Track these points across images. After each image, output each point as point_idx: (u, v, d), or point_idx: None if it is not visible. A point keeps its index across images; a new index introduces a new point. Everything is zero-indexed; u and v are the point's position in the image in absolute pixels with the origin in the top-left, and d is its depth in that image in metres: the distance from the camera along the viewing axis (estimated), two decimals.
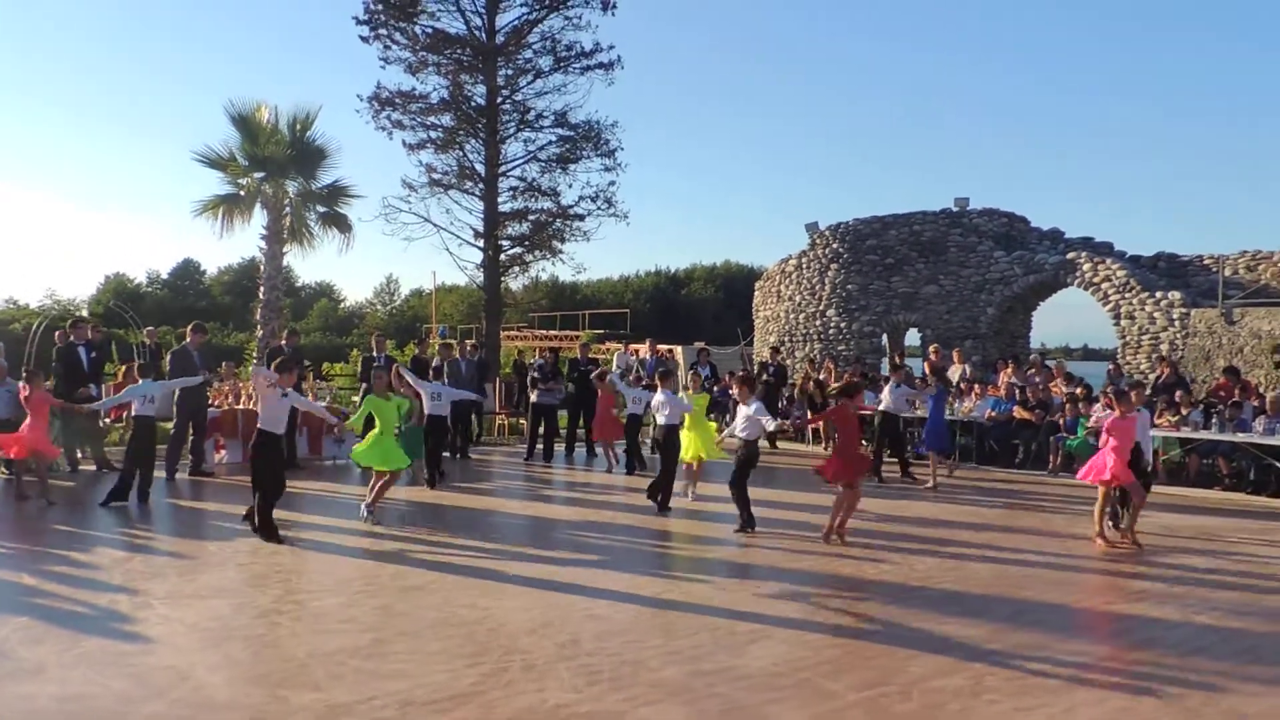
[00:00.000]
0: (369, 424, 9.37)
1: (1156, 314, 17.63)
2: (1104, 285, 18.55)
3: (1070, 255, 19.28)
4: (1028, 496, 11.65)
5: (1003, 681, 4.94)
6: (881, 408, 13.08)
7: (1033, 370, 16.25)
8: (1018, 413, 14.30)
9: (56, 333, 15.17)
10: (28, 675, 4.94)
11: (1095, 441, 13.29)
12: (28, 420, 10.59)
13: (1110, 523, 8.77)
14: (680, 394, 11.08)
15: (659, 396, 10.26)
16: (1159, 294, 17.72)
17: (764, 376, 17.50)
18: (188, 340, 12.95)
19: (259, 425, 8.59)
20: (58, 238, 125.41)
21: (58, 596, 6.52)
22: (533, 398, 15.13)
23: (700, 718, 4.45)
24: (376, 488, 9.32)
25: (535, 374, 15.14)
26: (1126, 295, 18.13)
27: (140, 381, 10.45)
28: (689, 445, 10.61)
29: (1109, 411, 13.18)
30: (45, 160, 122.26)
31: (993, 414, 14.52)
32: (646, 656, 5.31)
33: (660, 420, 10.23)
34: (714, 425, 11.33)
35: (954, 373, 16.71)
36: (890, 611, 6.32)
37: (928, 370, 16.62)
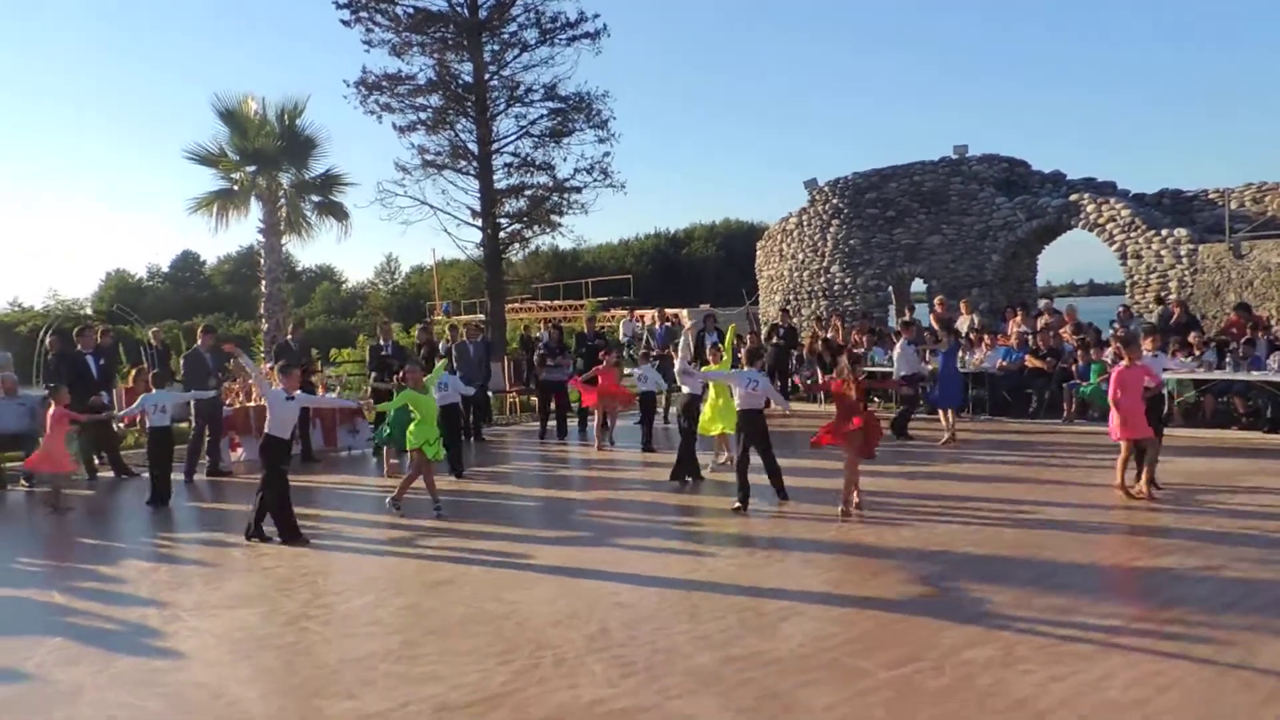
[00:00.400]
0: (381, 417, 9.40)
1: (1163, 252, 17.49)
2: (1109, 225, 18.40)
3: (1073, 197, 19.10)
4: (1044, 448, 11.63)
5: (1034, 650, 4.95)
6: (899, 370, 12.99)
7: (1044, 318, 16.15)
8: (1029, 362, 14.24)
9: (49, 338, 15.15)
10: (66, 699, 4.98)
11: (1108, 388, 13.28)
12: (48, 433, 10.63)
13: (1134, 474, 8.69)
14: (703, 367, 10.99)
15: (680, 366, 10.17)
16: (1165, 231, 17.57)
17: (774, 339, 17.44)
18: (199, 343, 12.94)
19: (266, 429, 8.52)
20: (58, 235, 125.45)
21: (88, 614, 6.57)
22: (540, 375, 15.15)
23: (734, 707, 4.46)
24: (405, 480, 9.45)
25: (541, 351, 15.12)
26: (1132, 234, 17.98)
27: (154, 390, 10.45)
28: (714, 418, 10.34)
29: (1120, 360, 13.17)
30: (46, 157, 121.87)
31: (1004, 364, 14.46)
32: (677, 644, 5.33)
33: (684, 390, 10.26)
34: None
35: (963, 323, 16.62)
36: (915, 580, 6.33)
37: (934, 323, 16.57)
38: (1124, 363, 8.52)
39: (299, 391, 8.85)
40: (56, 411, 10.56)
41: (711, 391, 10.28)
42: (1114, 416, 8.51)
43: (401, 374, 9.88)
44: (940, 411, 12.53)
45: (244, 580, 7.24)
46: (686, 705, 4.51)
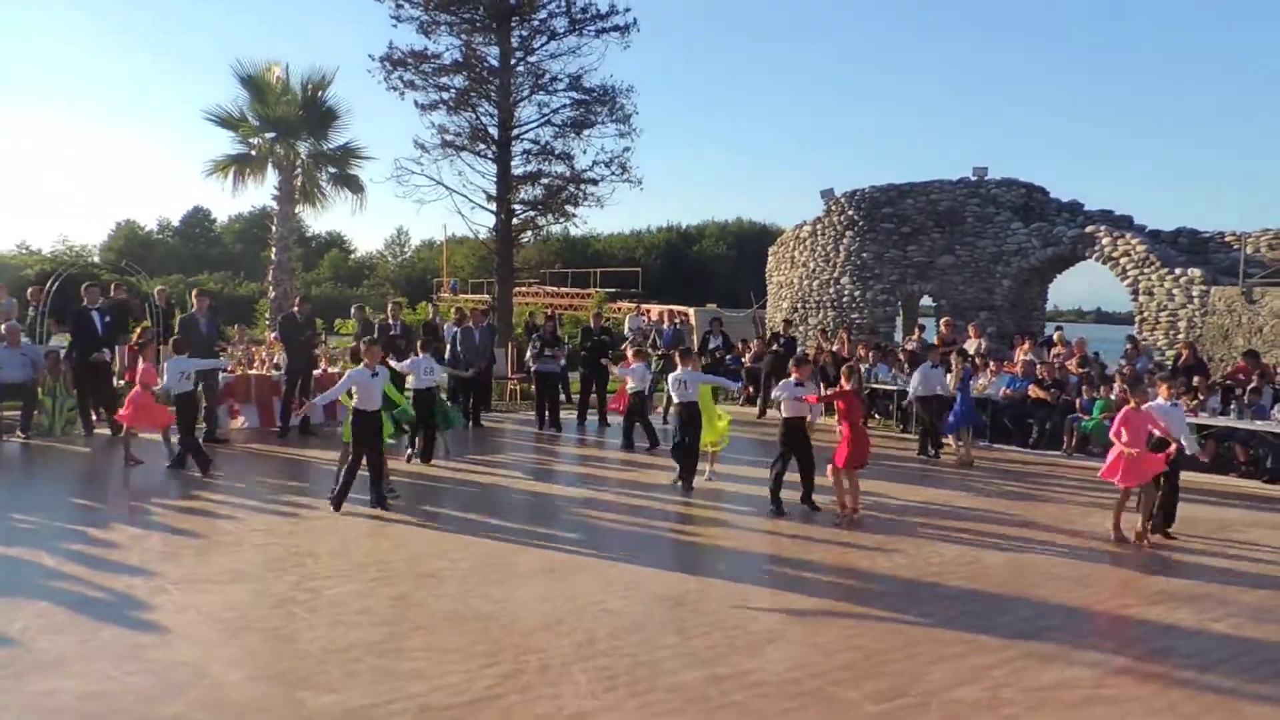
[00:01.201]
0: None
1: (1176, 290, 17.46)
2: (1123, 260, 18.37)
3: (1089, 228, 19.07)
4: (1043, 480, 11.60)
5: (1020, 694, 4.93)
6: (918, 392, 12.95)
7: (1056, 349, 16.11)
8: (1033, 391, 14.20)
9: (30, 289, 15.08)
10: (48, 668, 4.98)
11: (1109, 424, 13.24)
12: (135, 389, 10.73)
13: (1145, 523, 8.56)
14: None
15: (679, 374, 10.13)
16: (1178, 270, 17.53)
17: (774, 347, 17.43)
18: (194, 308, 12.92)
19: (356, 406, 8.79)
20: (70, 179, 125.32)
21: (75, 579, 6.57)
22: (532, 367, 15.10)
23: None
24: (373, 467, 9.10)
25: (535, 345, 15.03)
26: (1145, 271, 17.94)
27: (175, 357, 10.44)
28: (704, 430, 10.33)
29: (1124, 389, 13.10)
30: (66, 97, 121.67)
31: (1008, 391, 14.42)
32: (662, 658, 5.31)
33: (676, 398, 10.17)
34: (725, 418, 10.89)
35: (970, 346, 16.57)
36: (905, 610, 6.30)
37: (939, 344, 16.53)
38: (1131, 404, 8.42)
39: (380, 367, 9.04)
40: (146, 367, 10.75)
41: (699, 404, 10.24)
42: (1114, 457, 8.37)
43: (360, 349, 9.44)
44: (953, 435, 12.60)
45: (234, 556, 7.23)
46: None
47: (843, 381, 9.52)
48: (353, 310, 15.34)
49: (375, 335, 11.33)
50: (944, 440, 12.99)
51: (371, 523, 8.41)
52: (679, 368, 10.26)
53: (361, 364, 8.94)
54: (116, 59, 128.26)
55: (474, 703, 4.66)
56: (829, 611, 6.26)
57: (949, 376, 12.96)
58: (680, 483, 10.11)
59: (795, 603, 6.42)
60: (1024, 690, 4.98)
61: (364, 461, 8.80)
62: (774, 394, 10.10)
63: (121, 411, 10.96)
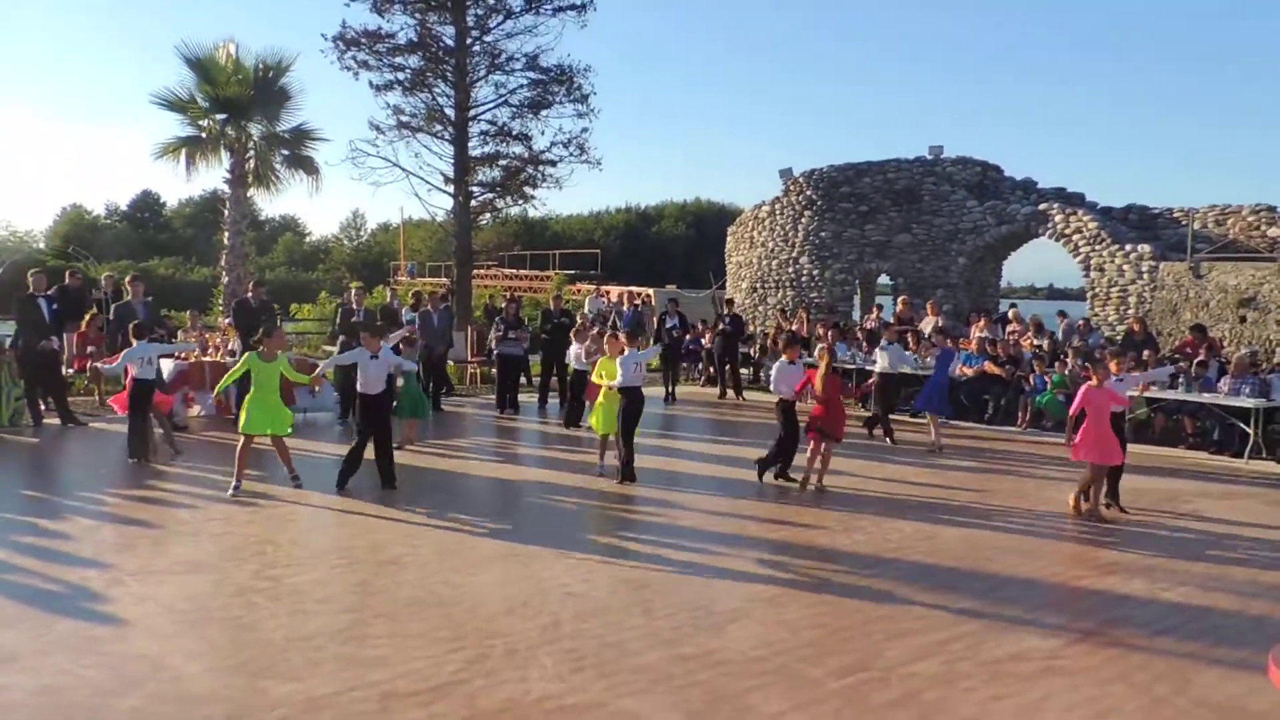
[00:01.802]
0: (244, 383, 9.14)
1: (1126, 266, 17.79)
2: (1075, 237, 18.66)
3: (1042, 206, 19.35)
4: (998, 456, 11.80)
5: (976, 667, 5.03)
6: (878, 369, 12.67)
7: (1012, 326, 16.35)
8: (988, 368, 14.41)
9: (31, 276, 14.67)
10: (0, 664, 4.88)
11: (1064, 399, 13.48)
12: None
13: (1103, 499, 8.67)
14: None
15: (627, 355, 9.64)
16: (1128, 246, 17.85)
17: (720, 327, 17.51)
18: (129, 294, 12.67)
19: (359, 389, 9.08)
20: (16, 158, 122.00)
21: (27, 572, 6.44)
22: (494, 349, 15.07)
23: (685, 708, 4.48)
24: (239, 456, 8.86)
25: (499, 327, 14.98)
26: (1097, 248, 18.25)
27: (135, 344, 10.22)
28: (605, 418, 9.84)
29: (1078, 363, 13.33)
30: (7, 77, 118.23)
31: (964, 369, 14.62)
32: (627, 639, 5.34)
33: (620, 381, 9.61)
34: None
35: (927, 324, 16.78)
36: (866, 587, 6.40)
37: (895, 321, 16.71)
38: (1092, 381, 8.45)
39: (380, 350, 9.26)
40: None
41: (601, 394, 9.92)
42: (1078, 436, 8.35)
43: (257, 336, 9.27)
44: (930, 417, 12.20)
45: (191, 545, 7.13)
46: (636, 704, 4.52)
47: (820, 362, 9.67)
48: (352, 292, 15.15)
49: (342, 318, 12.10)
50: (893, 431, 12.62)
51: (331, 510, 8.33)
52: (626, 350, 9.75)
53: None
54: (64, 39, 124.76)
55: (439, 688, 4.65)
56: (791, 589, 6.33)
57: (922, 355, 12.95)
58: (612, 474, 9.77)
59: (758, 582, 6.48)
60: (980, 663, 5.08)
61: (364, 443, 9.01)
62: (775, 383, 9.98)
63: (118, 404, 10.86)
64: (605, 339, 10.45)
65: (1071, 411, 8.45)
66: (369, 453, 9.07)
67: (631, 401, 9.58)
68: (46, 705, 4.43)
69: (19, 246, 56.47)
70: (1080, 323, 15.67)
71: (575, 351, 12.57)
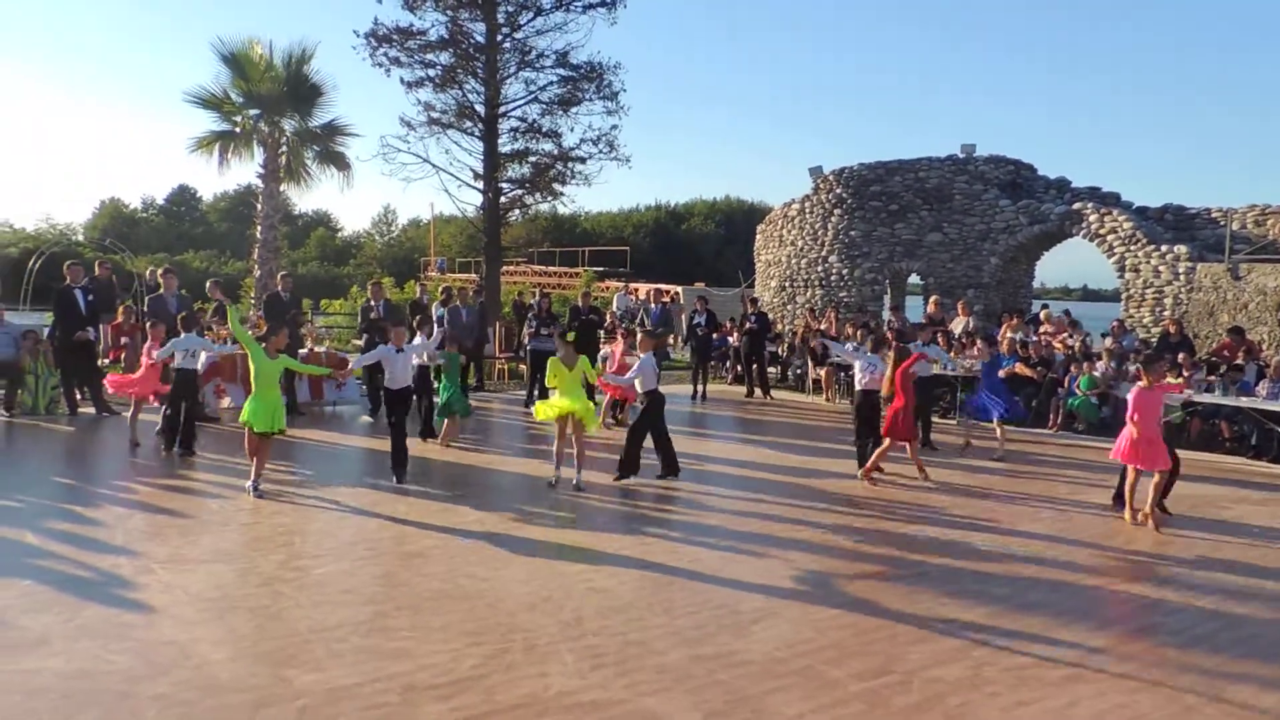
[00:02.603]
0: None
1: (1162, 267, 17.50)
2: (1109, 237, 18.39)
3: (1076, 205, 19.08)
4: (1029, 458, 11.64)
5: (1002, 672, 4.96)
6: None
7: (1045, 326, 16.16)
8: (1019, 369, 14.23)
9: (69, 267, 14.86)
10: (31, 647, 4.96)
11: (1097, 402, 13.30)
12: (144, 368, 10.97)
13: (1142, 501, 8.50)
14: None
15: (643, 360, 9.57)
16: (1165, 247, 17.56)
17: (746, 325, 17.44)
18: (162, 288, 12.83)
19: (386, 385, 9.40)
20: (55, 157, 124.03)
21: (60, 558, 6.54)
22: (527, 343, 15.11)
23: (704, 708, 4.47)
24: (256, 453, 8.74)
25: (532, 323, 15.04)
26: (1132, 248, 17.97)
27: (183, 335, 10.39)
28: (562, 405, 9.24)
29: (1110, 366, 13.14)
30: (51, 74, 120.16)
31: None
32: (650, 637, 5.33)
33: (641, 385, 9.58)
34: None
35: (958, 324, 16.62)
36: (892, 589, 6.34)
37: (926, 322, 16.54)
38: (1142, 383, 8.23)
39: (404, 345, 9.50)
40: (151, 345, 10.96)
41: (564, 385, 9.34)
42: (1125, 438, 8.22)
43: (263, 334, 9.50)
44: (998, 424, 11.58)
45: (220, 535, 7.21)
46: (656, 703, 4.50)
47: (886, 363, 9.84)
48: (370, 289, 15.28)
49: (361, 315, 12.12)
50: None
51: (358, 503, 8.39)
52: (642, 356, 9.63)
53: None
54: (104, 36, 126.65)
55: (459, 682, 4.67)
56: (816, 591, 6.28)
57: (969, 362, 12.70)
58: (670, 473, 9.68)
59: (782, 583, 6.44)
60: (1006, 668, 5.02)
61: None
62: (857, 375, 10.22)
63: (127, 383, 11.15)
64: (639, 338, 10.22)
65: (1130, 415, 8.20)
66: (380, 444, 9.12)
67: (653, 403, 9.58)
68: (76, 689, 4.49)
69: (58, 239, 57.42)
70: (1114, 324, 15.43)
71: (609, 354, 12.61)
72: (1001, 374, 14.25)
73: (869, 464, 9.84)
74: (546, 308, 15.61)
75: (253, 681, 4.63)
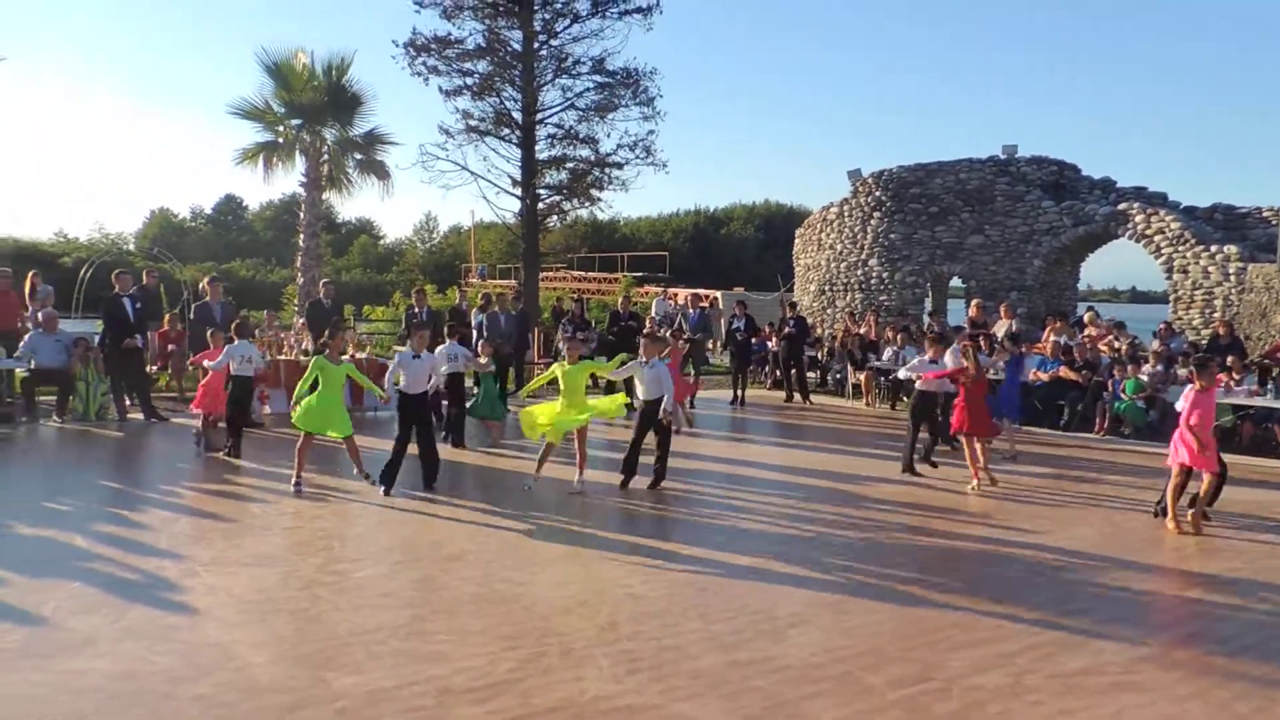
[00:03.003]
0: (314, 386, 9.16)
1: (1211, 268, 17.13)
2: (1157, 238, 18.04)
3: (1122, 206, 18.75)
4: (1074, 463, 11.45)
5: (1045, 680, 4.87)
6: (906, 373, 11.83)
7: (1088, 329, 15.89)
8: (1064, 373, 14.02)
9: (30, 274, 15.14)
10: (78, 648, 5.05)
11: (1144, 406, 13.05)
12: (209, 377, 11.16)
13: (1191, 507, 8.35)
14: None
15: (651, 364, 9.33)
16: (1214, 247, 17.20)
17: (785, 330, 17.35)
18: (207, 296, 13.04)
19: (401, 389, 9.11)
20: (107, 168, 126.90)
21: (108, 560, 6.66)
22: (562, 349, 15.17)
23: (740, 713, 4.43)
24: (299, 453, 9.03)
25: (567, 328, 15.11)
26: (1180, 248, 17.62)
27: (238, 342, 10.64)
28: (555, 421, 9.04)
29: (1157, 369, 12.87)
30: (101, 88, 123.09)
31: (1039, 374, 14.24)
32: (685, 642, 5.31)
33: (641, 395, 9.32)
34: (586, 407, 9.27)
35: (1000, 328, 16.41)
36: (931, 595, 6.25)
37: (968, 325, 16.36)
38: (1196, 386, 8.05)
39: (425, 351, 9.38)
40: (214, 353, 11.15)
41: (559, 400, 9.14)
42: (1181, 442, 8.04)
43: (324, 338, 9.52)
44: (1006, 424, 11.67)
45: (262, 539, 7.31)
46: (691, 708, 4.48)
47: (964, 359, 9.96)
48: (414, 294, 15.49)
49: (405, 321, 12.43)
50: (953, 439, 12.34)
51: (397, 507, 8.46)
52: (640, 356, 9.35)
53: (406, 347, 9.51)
54: (150, 49, 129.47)
55: (495, 685, 4.68)
56: (854, 596, 6.22)
57: (990, 362, 12.58)
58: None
59: (820, 588, 6.38)
60: (1049, 676, 4.92)
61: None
62: (903, 372, 10.47)
63: (195, 400, 11.38)
64: (642, 344, 9.70)
65: (1186, 420, 7.99)
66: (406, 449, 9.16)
67: (648, 411, 9.26)
68: (121, 690, 4.57)
69: (109, 248, 58.71)
70: (1161, 326, 15.13)
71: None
72: (1046, 377, 14.08)
73: (980, 468, 9.83)
74: (581, 313, 15.68)
75: (292, 684, 4.68)
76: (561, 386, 9.07)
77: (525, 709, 4.43)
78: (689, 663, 5.01)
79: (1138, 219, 18.35)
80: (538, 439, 9.24)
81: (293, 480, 8.93)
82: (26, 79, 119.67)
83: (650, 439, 9.42)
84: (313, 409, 8.89)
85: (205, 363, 11.08)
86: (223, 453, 10.49)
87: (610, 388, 15.17)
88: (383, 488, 8.84)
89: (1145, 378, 13.00)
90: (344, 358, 9.16)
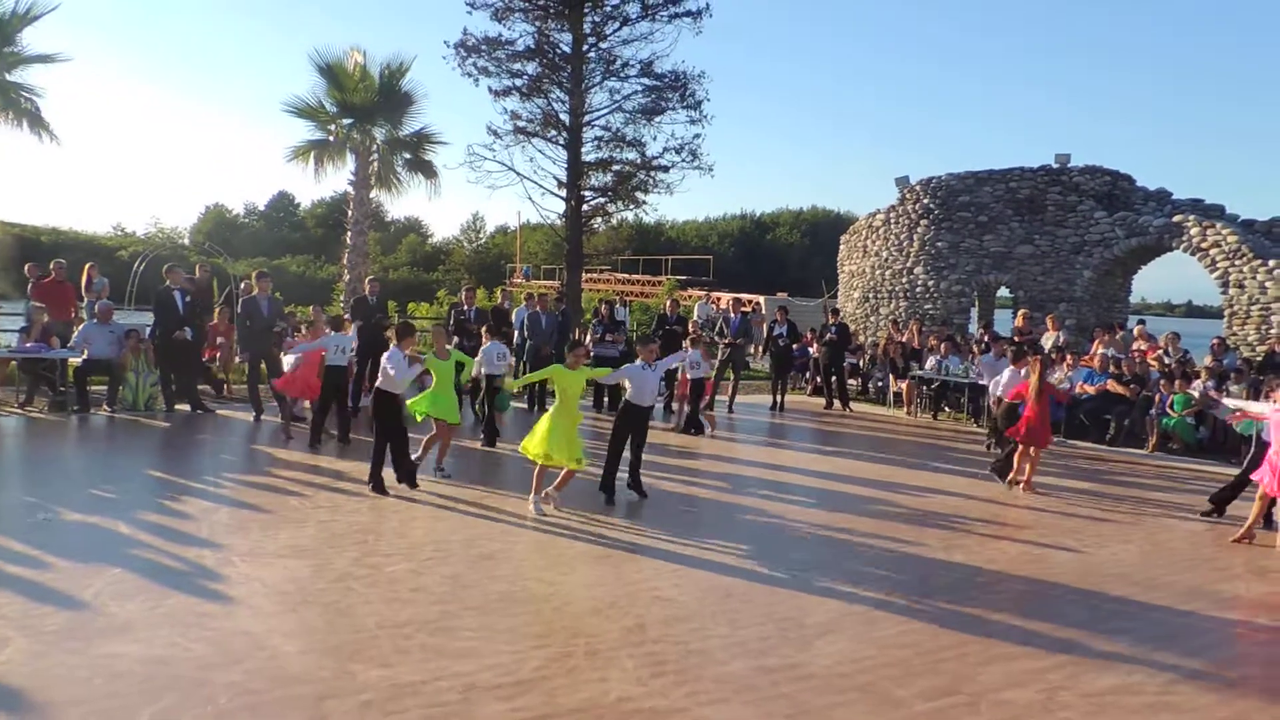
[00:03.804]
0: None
1: (1269, 283, 16.71)
2: (1212, 251, 17.64)
3: (1177, 218, 18.35)
4: (1119, 479, 11.22)
5: (1078, 698, 4.78)
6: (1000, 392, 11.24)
7: (1137, 342, 15.57)
8: (1111, 386, 13.75)
9: (87, 266, 15.45)
10: (116, 633, 5.16)
11: (1194, 422, 12.75)
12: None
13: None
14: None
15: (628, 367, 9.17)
16: (1272, 261, 16.76)
17: (826, 336, 17.22)
18: (255, 290, 13.24)
19: (379, 385, 9.10)
20: (163, 163, 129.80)
21: (149, 547, 6.79)
22: (591, 351, 15.20)
23: (765, 719, 4.41)
24: (425, 442, 9.68)
25: (596, 329, 15.13)
26: (1237, 262, 17.20)
27: (331, 334, 10.98)
28: (557, 445, 8.24)
29: (1208, 385, 12.56)
30: (162, 84, 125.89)
31: (1085, 386, 13.98)
32: (712, 646, 5.29)
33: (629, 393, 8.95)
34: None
35: (1047, 339, 16.14)
36: (964, 606, 6.16)
37: (1016, 337, 16.10)
38: (1274, 405, 8.00)
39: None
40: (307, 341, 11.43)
41: (549, 416, 8.44)
42: (1271, 467, 7.91)
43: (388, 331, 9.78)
44: None
45: (298, 531, 7.40)
46: (715, 713, 4.46)
47: (1032, 370, 10.02)
48: (463, 293, 15.62)
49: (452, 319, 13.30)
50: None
51: (434, 504, 8.53)
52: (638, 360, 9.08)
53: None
54: (211, 50, 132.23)
55: (521, 683, 4.70)
56: (884, 607, 6.15)
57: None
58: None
59: (850, 597, 6.32)
60: (1082, 694, 4.83)
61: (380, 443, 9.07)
62: (993, 390, 11.05)
63: (280, 380, 11.70)
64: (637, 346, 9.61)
65: (1275, 443, 7.86)
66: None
67: (625, 414, 8.97)
68: (154, 674, 4.66)
69: (165, 243, 60.06)
70: (1214, 342, 14.77)
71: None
72: (1092, 390, 13.82)
73: (1027, 477, 10.00)
74: (610, 314, 15.67)
75: (321, 674, 4.74)
76: (556, 391, 8.50)
77: (550, 708, 4.44)
78: (715, 667, 4.99)
79: (1193, 231, 17.95)
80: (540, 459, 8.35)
81: (435, 465, 9.59)
82: (92, 78, 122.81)
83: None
84: (438, 402, 9.31)
85: (296, 347, 11.29)
86: (312, 447, 10.86)
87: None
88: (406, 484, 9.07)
89: (1195, 393, 12.70)
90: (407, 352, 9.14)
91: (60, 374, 13.23)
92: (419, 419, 9.67)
